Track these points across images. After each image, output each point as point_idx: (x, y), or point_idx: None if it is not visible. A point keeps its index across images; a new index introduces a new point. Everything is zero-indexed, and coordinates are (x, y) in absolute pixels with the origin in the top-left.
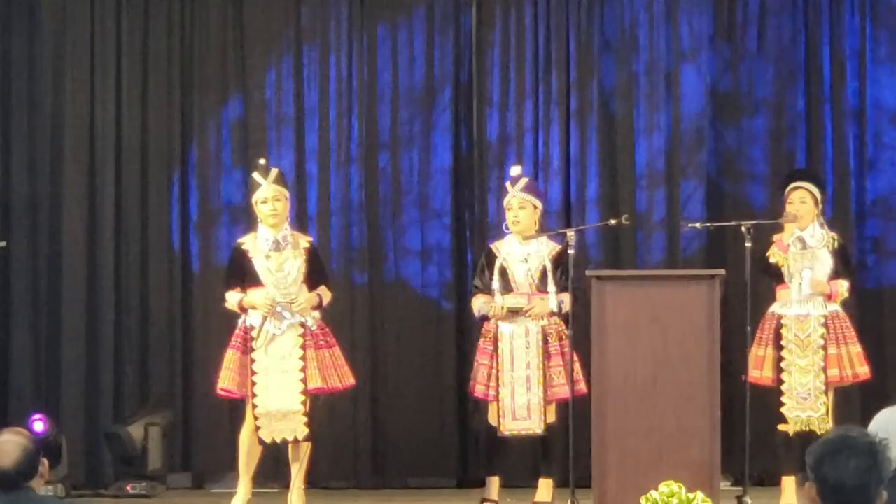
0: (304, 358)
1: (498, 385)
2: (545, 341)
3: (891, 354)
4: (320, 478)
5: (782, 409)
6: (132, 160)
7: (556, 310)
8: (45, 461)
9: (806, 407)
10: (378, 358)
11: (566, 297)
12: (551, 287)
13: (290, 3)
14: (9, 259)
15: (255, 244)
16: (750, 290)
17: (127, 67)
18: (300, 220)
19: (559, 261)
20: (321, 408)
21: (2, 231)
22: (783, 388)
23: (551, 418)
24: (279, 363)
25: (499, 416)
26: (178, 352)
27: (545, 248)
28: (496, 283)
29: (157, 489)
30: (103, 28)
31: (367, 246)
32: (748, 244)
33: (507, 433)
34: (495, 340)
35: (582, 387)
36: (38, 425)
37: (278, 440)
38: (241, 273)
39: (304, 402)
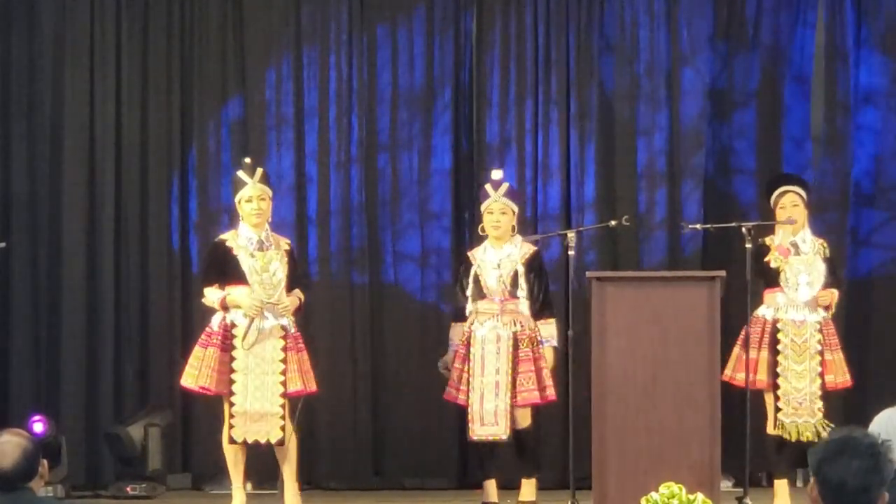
0: (285, 361)
1: (468, 389)
2: (515, 347)
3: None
4: (320, 478)
5: (778, 415)
6: (132, 160)
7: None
8: (45, 462)
9: (802, 413)
10: (377, 359)
11: (550, 331)
12: (521, 292)
13: (290, 3)
14: (9, 259)
15: (237, 242)
16: (750, 291)
17: (127, 67)
18: (300, 221)
19: (532, 264)
20: (303, 410)
21: (2, 231)
22: (779, 392)
23: (526, 422)
24: (261, 364)
25: (468, 421)
26: (178, 352)
27: (518, 253)
28: (469, 290)
29: (157, 490)
30: (103, 28)
31: (366, 247)
32: (748, 245)
33: (475, 438)
34: (468, 345)
35: (549, 394)
36: (38, 426)
37: (250, 441)
38: (221, 270)
39: (282, 405)
